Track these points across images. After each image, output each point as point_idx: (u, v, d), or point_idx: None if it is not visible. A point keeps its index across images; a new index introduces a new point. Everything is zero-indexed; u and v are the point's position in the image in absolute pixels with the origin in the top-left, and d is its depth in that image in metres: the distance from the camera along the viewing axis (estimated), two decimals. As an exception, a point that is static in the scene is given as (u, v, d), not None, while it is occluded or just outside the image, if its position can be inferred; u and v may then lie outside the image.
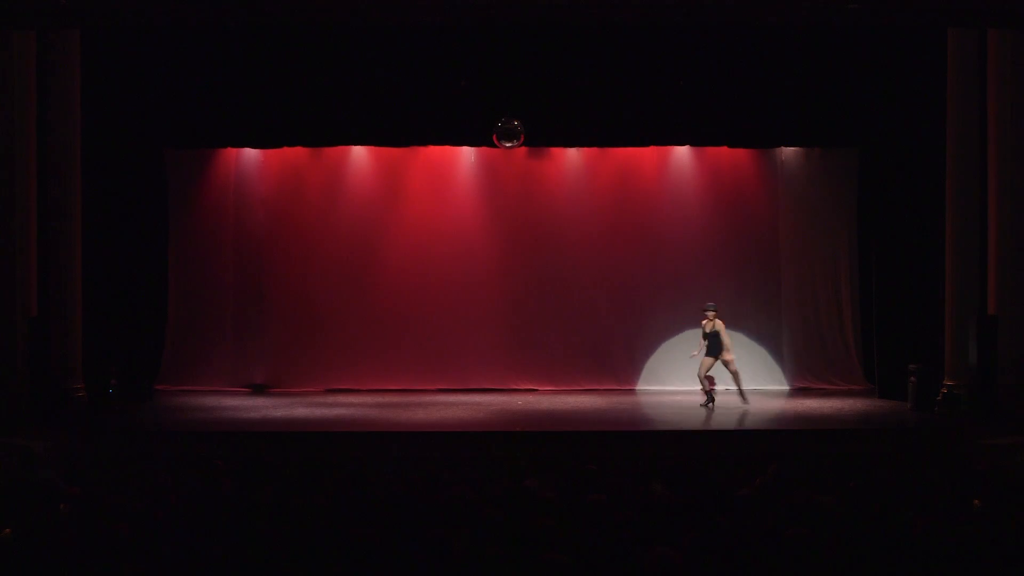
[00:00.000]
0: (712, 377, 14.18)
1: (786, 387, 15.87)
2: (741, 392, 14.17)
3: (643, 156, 16.12)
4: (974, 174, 13.34)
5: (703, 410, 13.95)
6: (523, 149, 15.36)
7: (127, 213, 14.66)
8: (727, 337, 14.09)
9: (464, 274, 16.05)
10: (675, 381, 15.92)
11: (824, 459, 10.46)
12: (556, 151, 16.11)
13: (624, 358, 16.09)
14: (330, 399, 15.09)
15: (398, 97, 14.51)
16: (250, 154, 15.92)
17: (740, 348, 15.97)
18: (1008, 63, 12.73)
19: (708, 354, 14.09)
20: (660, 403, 14.84)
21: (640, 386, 15.96)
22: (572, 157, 16.18)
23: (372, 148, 15.91)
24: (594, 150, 16.09)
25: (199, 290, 15.94)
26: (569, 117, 14.70)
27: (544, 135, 14.82)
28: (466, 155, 16.06)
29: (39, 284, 13.09)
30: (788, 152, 16.09)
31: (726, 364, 14.10)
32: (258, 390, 15.70)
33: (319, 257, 16.01)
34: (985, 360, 12.78)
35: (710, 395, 14.07)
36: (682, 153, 16.13)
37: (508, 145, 14.30)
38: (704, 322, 14.19)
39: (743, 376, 14.35)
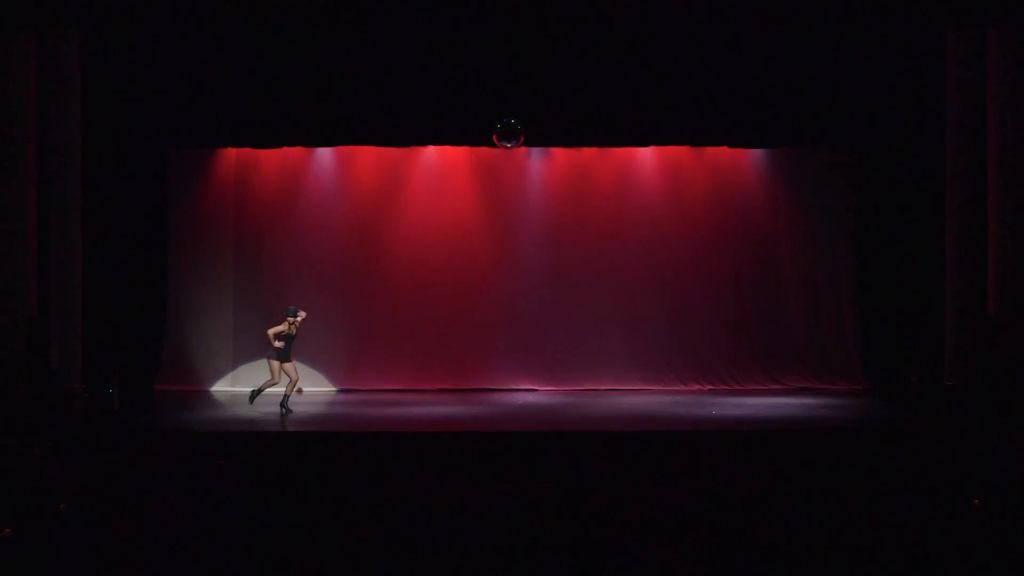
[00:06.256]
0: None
1: (785, 387, 15.86)
2: (259, 392, 13.85)
3: (643, 156, 16.13)
4: (974, 174, 13.34)
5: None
6: (523, 149, 15.36)
7: (127, 213, 14.64)
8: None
9: (464, 274, 16.05)
10: (674, 381, 15.95)
11: (823, 459, 10.43)
12: (556, 151, 16.12)
13: (624, 358, 16.08)
14: (330, 399, 15.08)
15: (398, 96, 14.49)
16: (250, 154, 15.92)
17: (740, 347, 16.04)
18: (1008, 63, 12.73)
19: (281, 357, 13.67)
20: (659, 403, 14.82)
21: (640, 386, 15.95)
22: (572, 157, 16.18)
23: (372, 148, 15.91)
24: (594, 150, 16.10)
25: (199, 290, 15.93)
26: (569, 117, 14.69)
27: (544, 135, 14.81)
28: (466, 155, 16.06)
29: (39, 284, 13.09)
30: (788, 152, 16.08)
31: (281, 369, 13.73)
32: (258, 390, 15.67)
33: (319, 257, 16.01)
34: (985, 360, 12.78)
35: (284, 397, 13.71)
36: (682, 153, 16.13)
37: (508, 145, 14.30)
38: (289, 327, 13.64)
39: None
